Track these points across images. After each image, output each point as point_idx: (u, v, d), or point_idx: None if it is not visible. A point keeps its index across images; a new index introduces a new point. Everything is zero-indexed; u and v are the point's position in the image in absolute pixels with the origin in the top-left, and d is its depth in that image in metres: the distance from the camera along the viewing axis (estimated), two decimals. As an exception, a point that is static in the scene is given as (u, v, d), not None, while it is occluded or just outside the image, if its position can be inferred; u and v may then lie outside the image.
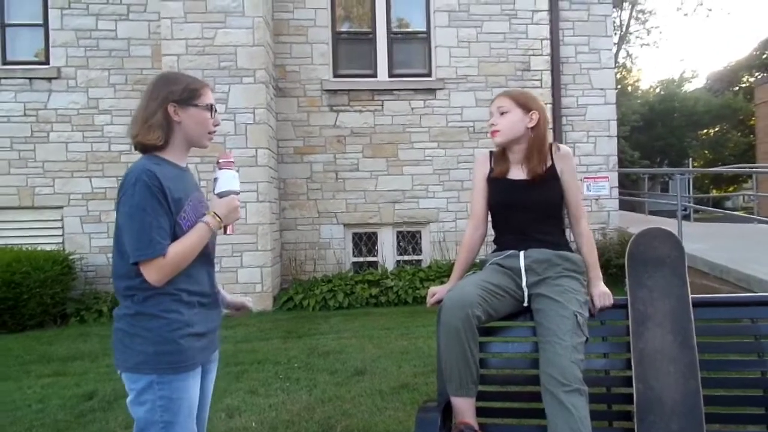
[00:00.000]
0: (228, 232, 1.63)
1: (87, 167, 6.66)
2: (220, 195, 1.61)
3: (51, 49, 6.70)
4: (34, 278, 5.49)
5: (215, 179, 1.63)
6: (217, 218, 1.58)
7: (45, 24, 6.71)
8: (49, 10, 6.68)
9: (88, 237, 6.65)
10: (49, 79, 6.64)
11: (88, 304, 6.02)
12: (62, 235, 6.67)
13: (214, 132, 1.67)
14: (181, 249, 1.51)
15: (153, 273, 1.47)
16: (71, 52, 6.67)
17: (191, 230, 1.54)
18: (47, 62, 6.72)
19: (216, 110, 1.66)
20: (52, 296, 5.74)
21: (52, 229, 6.67)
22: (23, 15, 6.78)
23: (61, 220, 6.68)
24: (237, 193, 1.63)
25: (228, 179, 1.63)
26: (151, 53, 6.66)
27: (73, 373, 4.03)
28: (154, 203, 1.47)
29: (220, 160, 1.64)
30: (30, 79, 6.62)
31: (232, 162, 1.66)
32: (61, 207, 6.67)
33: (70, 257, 6.26)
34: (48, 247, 6.28)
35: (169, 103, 1.57)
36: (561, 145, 2.03)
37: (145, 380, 1.51)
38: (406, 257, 7.16)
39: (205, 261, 1.62)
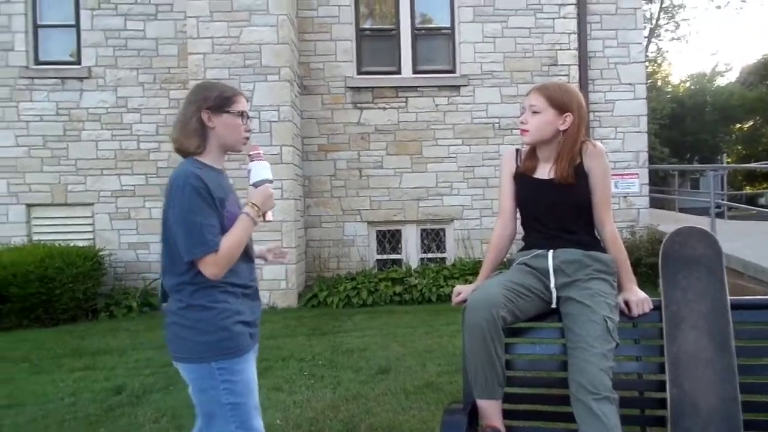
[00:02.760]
0: (267, 218, 1.73)
1: (116, 165, 6.79)
2: (255, 185, 1.72)
3: (82, 49, 6.84)
4: (66, 273, 5.63)
5: (248, 171, 1.74)
6: (255, 207, 1.68)
7: (77, 24, 6.85)
8: (81, 11, 6.81)
9: (117, 233, 6.79)
10: (81, 78, 6.78)
11: (118, 300, 6.15)
12: (93, 231, 6.81)
13: (248, 138, 1.77)
14: (229, 242, 1.61)
15: (209, 267, 1.57)
16: (101, 52, 6.80)
17: (235, 224, 1.65)
18: (79, 62, 6.86)
19: (249, 117, 1.76)
20: (84, 291, 5.88)
21: (83, 225, 6.83)
22: (56, 16, 6.93)
23: (92, 216, 6.83)
24: (270, 182, 1.75)
25: (260, 169, 1.74)
26: (178, 52, 6.74)
27: (102, 368, 4.12)
28: (203, 204, 1.58)
29: (251, 153, 1.75)
30: (62, 78, 6.78)
31: (261, 153, 1.76)
32: (91, 204, 6.81)
33: (100, 253, 6.39)
34: (80, 243, 6.43)
35: (203, 110, 1.67)
36: (594, 143, 1.92)
37: (205, 368, 1.61)
38: (430, 255, 7.13)
39: (244, 255, 1.71)
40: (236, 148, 1.75)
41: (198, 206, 1.57)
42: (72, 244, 6.27)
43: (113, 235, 6.78)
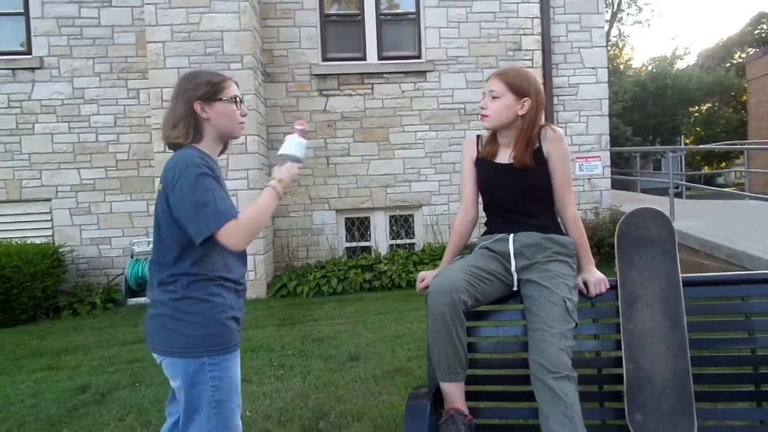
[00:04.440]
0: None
1: (75, 158, 6.58)
2: (281, 156, 1.71)
3: (33, 38, 6.57)
4: (24, 272, 5.44)
5: (285, 138, 1.73)
6: (282, 183, 1.66)
7: (26, 12, 6.57)
8: (30, -1, 6.54)
9: (79, 229, 6.60)
10: (32, 69, 6.52)
11: (81, 297, 5.99)
12: (51, 227, 6.61)
13: (243, 122, 1.72)
14: (253, 212, 1.57)
15: (232, 237, 1.50)
16: (53, 41, 6.54)
17: (261, 195, 1.61)
18: (30, 52, 6.59)
19: (242, 101, 1.70)
20: (43, 290, 5.71)
21: (41, 222, 6.62)
22: (3, 4, 6.63)
23: (50, 212, 6.62)
24: (298, 160, 1.71)
25: (292, 144, 1.71)
26: (136, 40, 6.55)
27: (66, 367, 4.01)
28: (211, 180, 1.52)
29: (296, 125, 1.73)
30: (12, 69, 6.51)
31: (302, 130, 1.73)
32: (49, 199, 6.60)
33: (60, 250, 6.21)
34: (38, 241, 6.24)
35: (194, 101, 1.61)
36: (553, 128, 1.94)
37: (196, 363, 1.56)
38: (399, 241, 7.16)
39: (238, 252, 1.67)
40: (234, 134, 1.70)
41: (207, 182, 1.51)
42: (29, 242, 6.08)
43: (74, 231, 6.59)
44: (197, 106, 1.61)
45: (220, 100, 1.63)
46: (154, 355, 1.65)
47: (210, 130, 1.64)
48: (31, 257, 5.60)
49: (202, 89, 1.61)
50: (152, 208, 6.41)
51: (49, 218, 6.62)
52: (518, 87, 1.90)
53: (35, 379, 3.77)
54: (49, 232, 6.58)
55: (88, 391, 3.46)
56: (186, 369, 1.57)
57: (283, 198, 1.71)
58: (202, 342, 1.56)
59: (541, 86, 1.99)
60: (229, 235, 1.50)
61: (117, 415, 3.05)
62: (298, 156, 1.71)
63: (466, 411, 1.77)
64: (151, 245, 6.36)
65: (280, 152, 1.72)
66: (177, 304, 1.56)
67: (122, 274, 6.29)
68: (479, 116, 1.99)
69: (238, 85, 1.71)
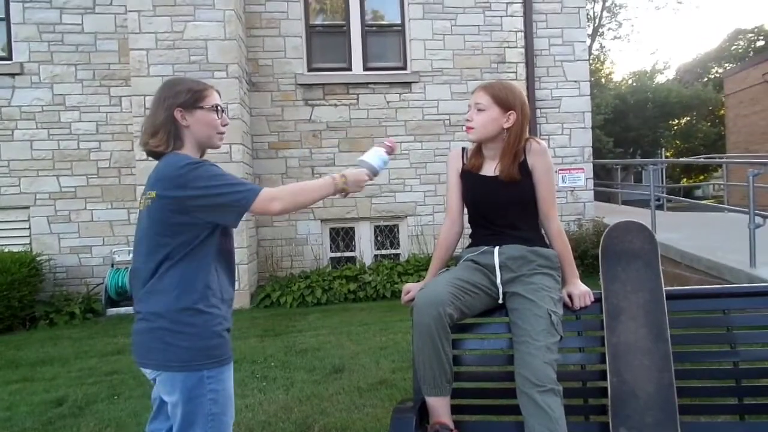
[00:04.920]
0: (344, 196, 1.74)
1: (54, 165, 6.47)
2: (359, 162, 1.76)
3: (13, 43, 6.47)
4: (0, 281, 5.32)
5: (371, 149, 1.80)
6: (343, 179, 1.67)
7: (6, 17, 6.47)
8: (11, 3, 6.44)
9: (57, 237, 6.47)
10: (12, 75, 6.41)
11: (59, 307, 5.86)
12: (29, 236, 6.47)
13: (224, 132, 1.69)
14: (297, 187, 1.61)
15: (271, 204, 1.51)
16: (34, 47, 6.45)
17: (316, 180, 1.65)
18: (10, 58, 6.48)
19: (223, 110, 1.68)
20: (20, 299, 5.57)
21: (18, 230, 6.48)
22: (-18, 9, 6.53)
23: (28, 220, 6.48)
24: (374, 171, 1.75)
25: (374, 154, 1.78)
26: (119, 47, 6.48)
27: (42, 379, 3.91)
28: (217, 167, 1.52)
29: (386, 140, 1.82)
30: (-9, 75, 6.39)
31: (389, 147, 1.81)
32: (27, 207, 6.47)
33: (38, 258, 6.08)
34: (15, 249, 6.10)
35: (175, 108, 1.59)
36: (537, 141, 1.96)
37: (196, 376, 1.52)
38: (383, 252, 7.14)
39: (229, 263, 1.66)
40: (213, 143, 1.66)
41: (218, 169, 1.50)
42: (7, 250, 5.94)
43: (52, 239, 6.46)
44: (177, 114, 1.58)
45: (201, 108, 1.61)
46: (146, 371, 1.59)
47: (190, 138, 1.61)
48: (8, 266, 5.48)
49: (183, 96, 1.59)
50: (134, 217, 6.30)
51: (27, 226, 6.48)
52: (504, 100, 1.92)
53: (10, 391, 3.67)
54: (27, 240, 6.44)
55: (64, 403, 3.37)
56: (185, 383, 1.51)
57: (340, 195, 1.71)
58: (201, 355, 1.52)
59: (526, 100, 2.00)
60: (267, 203, 1.51)
61: (95, 428, 2.98)
62: (374, 166, 1.75)
63: (451, 425, 1.76)
64: (132, 255, 6.27)
65: (359, 158, 1.78)
66: (175, 316, 1.51)
67: (102, 283, 6.17)
68: (465, 129, 2.00)
69: (220, 95, 1.69)
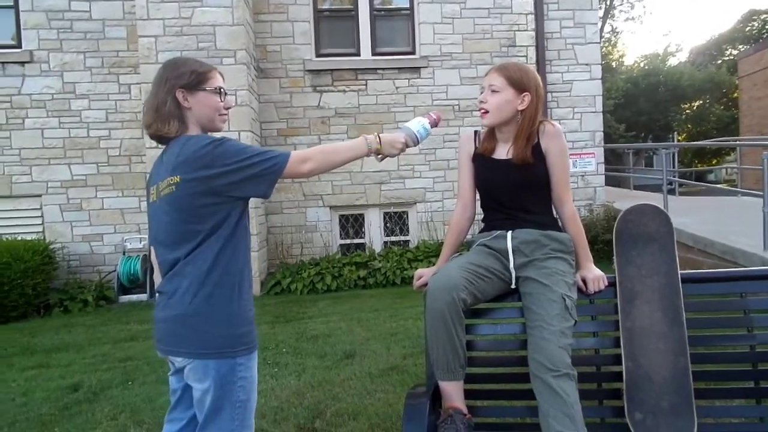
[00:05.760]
0: (380, 160, 1.76)
1: (65, 154, 6.50)
2: (400, 127, 1.77)
3: (23, 31, 6.48)
4: (14, 269, 5.39)
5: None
6: (378, 140, 1.66)
7: (15, 5, 6.47)
8: (19, -9, 6.44)
9: (70, 225, 6.53)
10: (22, 63, 6.43)
11: (72, 294, 5.93)
12: (42, 224, 6.53)
13: (226, 114, 1.66)
14: (329, 147, 1.61)
15: (302, 166, 1.52)
16: (43, 35, 6.45)
17: (347, 141, 1.66)
18: (19, 46, 6.49)
19: (226, 92, 1.64)
20: (34, 287, 5.64)
21: (31, 218, 6.54)
22: (-9, -3, 6.54)
23: (41, 208, 6.54)
24: (413, 137, 1.75)
25: (416, 122, 1.78)
26: (127, 34, 6.47)
27: (57, 365, 3.97)
28: (241, 142, 1.50)
29: (431, 113, 1.85)
30: (2, 63, 6.41)
31: (433, 118, 1.82)
32: (39, 195, 6.52)
33: (51, 246, 6.14)
34: (28, 237, 6.16)
35: (177, 89, 1.55)
36: (552, 123, 1.93)
37: (229, 363, 1.51)
38: (393, 238, 7.14)
39: (249, 246, 1.63)
40: (215, 126, 1.63)
41: (242, 144, 1.49)
42: (20, 238, 6.00)
43: (65, 228, 6.52)
44: (179, 95, 1.55)
45: (204, 89, 1.58)
46: (176, 359, 1.56)
47: (192, 120, 1.58)
48: (21, 254, 5.54)
49: (186, 78, 1.55)
50: (144, 205, 6.33)
51: (39, 214, 6.54)
52: (518, 82, 1.88)
53: (26, 377, 3.72)
54: (40, 229, 6.50)
55: (80, 389, 3.42)
56: (218, 371, 1.49)
57: (376, 158, 1.72)
58: (236, 342, 1.51)
59: (540, 81, 1.97)
60: (297, 166, 1.51)
61: (109, 414, 3.02)
62: (413, 131, 1.74)
63: (465, 410, 1.75)
64: (143, 243, 6.27)
65: (402, 124, 1.78)
66: (208, 302, 1.49)
67: (114, 271, 6.23)
68: (479, 111, 1.95)
69: (223, 77, 1.66)
